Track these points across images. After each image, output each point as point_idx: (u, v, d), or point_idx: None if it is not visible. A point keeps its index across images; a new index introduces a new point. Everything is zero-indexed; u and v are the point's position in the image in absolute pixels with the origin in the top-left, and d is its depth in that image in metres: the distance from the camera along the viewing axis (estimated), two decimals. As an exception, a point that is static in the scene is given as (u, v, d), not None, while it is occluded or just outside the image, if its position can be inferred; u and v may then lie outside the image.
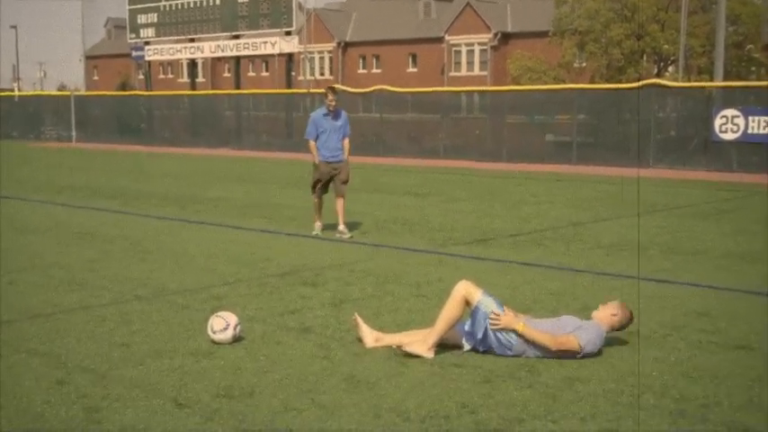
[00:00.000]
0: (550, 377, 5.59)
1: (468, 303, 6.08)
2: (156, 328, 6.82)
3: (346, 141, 12.06)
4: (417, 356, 5.95)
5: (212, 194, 17.28)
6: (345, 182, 12.05)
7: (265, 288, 8.35)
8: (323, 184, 12.04)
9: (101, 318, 7.14)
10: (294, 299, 7.87)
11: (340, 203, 11.97)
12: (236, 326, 6.35)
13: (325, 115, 11.89)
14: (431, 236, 11.88)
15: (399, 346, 6.02)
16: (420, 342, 6.04)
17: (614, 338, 6.47)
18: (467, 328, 6.14)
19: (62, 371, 5.69)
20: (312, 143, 11.96)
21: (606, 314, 6.29)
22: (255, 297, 7.96)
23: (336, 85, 33.58)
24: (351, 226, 12.02)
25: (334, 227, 11.93)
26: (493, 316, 5.99)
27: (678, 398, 5.21)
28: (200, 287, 8.37)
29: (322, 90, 36.44)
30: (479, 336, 6.04)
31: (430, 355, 5.99)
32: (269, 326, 6.89)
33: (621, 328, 6.32)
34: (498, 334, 6.00)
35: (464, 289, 6.11)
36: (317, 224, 12.05)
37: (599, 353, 6.06)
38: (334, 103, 11.80)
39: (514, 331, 5.97)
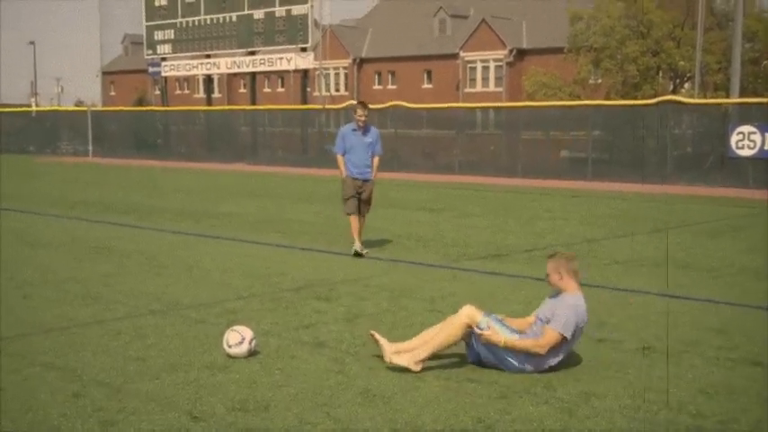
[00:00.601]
0: (566, 393, 5.57)
1: (469, 327, 6.06)
2: (170, 341, 6.84)
3: (376, 160, 11.75)
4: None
5: (227, 209, 17.32)
6: (368, 202, 11.79)
7: (280, 302, 8.35)
8: (351, 198, 11.64)
9: (116, 332, 7.16)
10: (308, 313, 7.87)
11: (360, 223, 11.75)
12: (252, 340, 6.36)
13: (354, 131, 11.60)
14: (445, 251, 11.86)
15: (390, 360, 6.00)
16: (410, 354, 6.02)
17: (631, 354, 6.45)
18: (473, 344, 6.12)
19: (78, 384, 5.71)
20: (340, 158, 11.69)
21: (557, 282, 6.18)
22: (270, 311, 7.96)
23: (354, 101, 33.67)
24: (365, 241, 11.97)
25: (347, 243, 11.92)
26: (477, 331, 5.95)
27: (695, 414, 5.18)
28: (215, 301, 8.39)
29: (337, 106, 36.51)
30: (494, 356, 6.02)
31: (417, 368, 5.97)
32: (284, 340, 6.89)
33: (576, 270, 6.21)
34: (511, 359, 5.96)
35: (466, 316, 6.07)
36: (357, 244, 11.45)
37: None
38: (363, 119, 11.49)
39: (497, 345, 5.93)
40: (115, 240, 12.75)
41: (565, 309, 6.05)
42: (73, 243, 12.52)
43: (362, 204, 11.76)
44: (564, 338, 5.97)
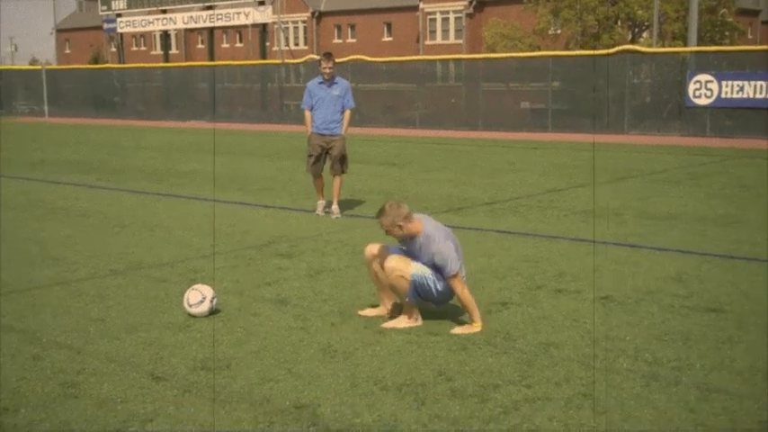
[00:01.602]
0: (526, 343, 5.64)
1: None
2: (132, 302, 6.82)
3: (347, 113, 11.11)
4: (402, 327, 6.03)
5: (188, 167, 17.19)
6: (341, 159, 11.10)
7: (242, 260, 8.34)
8: (315, 158, 11.11)
9: (76, 293, 7.12)
10: (270, 271, 7.87)
11: (336, 183, 11.16)
12: (213, 299, 6.36)
13: (321, 84, 11.03)
14: (408, 205, 11.84)
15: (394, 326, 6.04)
16: (403, 317, 6.11)
17: (589, 303, 6.54)
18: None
19: (37, 346, 5.68)
20: (307, 113, 11.09)
21: (400, 233, 6.08)
22: (232, 269, 7.96)
23: (314, 55, 33.36)
24: (328, 196, 11.78)
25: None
26: (457, 332, 5.91)
27: (651, 361, 5.27)
28: (177, 260, 8.36)
29: (297, 60, 36.03)
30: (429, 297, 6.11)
31: (419, 321, 6.06)
32: (245, 298, 6.89)
33: (408, 212, 6.13)
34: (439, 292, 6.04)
35: (399, 271, 5.98)
36: (319, 202, 11.25)
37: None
38: (329, 71, 10.91)
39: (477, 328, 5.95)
40: (75, 201, 12.62)
41: (436, 250, 5.94)
42: (32, 204, 12.37)
43: (335, 162, 11.15)
44: (459, 272, 5.96)
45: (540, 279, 7.40)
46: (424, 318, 6.13)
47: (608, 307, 6.48)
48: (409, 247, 6.15)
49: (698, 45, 27.40)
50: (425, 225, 6.13)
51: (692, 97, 23.78)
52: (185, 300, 6.36)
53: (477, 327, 5.92)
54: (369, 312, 6.37)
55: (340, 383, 4.96)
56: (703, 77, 23.57)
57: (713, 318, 6.19)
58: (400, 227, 6.05)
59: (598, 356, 5.36)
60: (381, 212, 6.13)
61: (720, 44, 37.66)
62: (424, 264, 6.02)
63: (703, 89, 23.53)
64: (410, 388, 4.88)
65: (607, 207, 11.33)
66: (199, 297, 6.32)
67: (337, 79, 11.16)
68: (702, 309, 6.41)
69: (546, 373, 5.07)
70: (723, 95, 23.26)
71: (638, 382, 4.92)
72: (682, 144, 21.68)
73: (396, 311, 6.24)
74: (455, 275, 5.92)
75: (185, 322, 6.19)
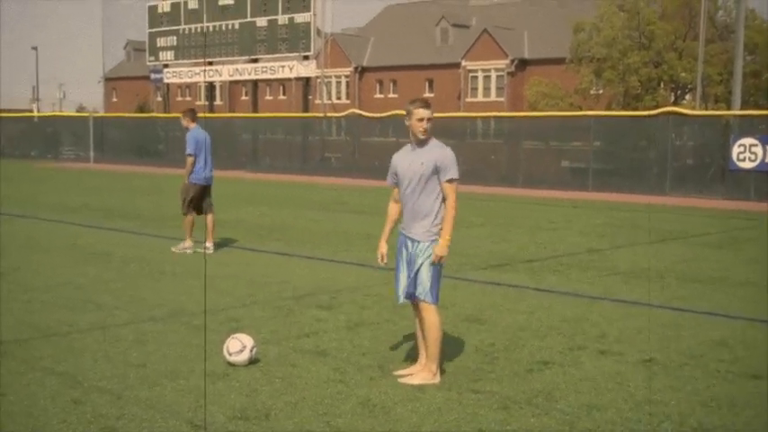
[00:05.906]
0: (568, 405, 5.56)
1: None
2: (171, 348, 6.83)
3: None
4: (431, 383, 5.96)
5: (228, 216, 17.29)
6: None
7: (281, 310, 8.34)
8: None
9: (117, 338, 7.15)
10: (309, 322, 7.86)
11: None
12: (252, 348, 6.36)
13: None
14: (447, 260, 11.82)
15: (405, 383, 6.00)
16: (425, 372, 6.05)
17: (632, 366, 6.44)
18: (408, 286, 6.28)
19: (78, 390, 5.70)
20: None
21: (430, 128, 6.26)
22: (271, 319, 7.96)
23: (356, 109, 33.58)
24: (367, 249, 11.84)
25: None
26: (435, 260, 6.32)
27: (696, 427, 5.16)
28: (216, 309, 8.38)
29: (338, 114, 36.27)
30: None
31: (437, 380, 6.00)
32: (284, 348, 6.88)
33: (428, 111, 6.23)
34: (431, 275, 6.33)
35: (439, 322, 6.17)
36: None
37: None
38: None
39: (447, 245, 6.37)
40: (117, 246, 12.75)
41: (445, 153, 6.27)
42: (74, 248, 12.52)
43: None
44: (455, 179, 6.24)
45: (582, 339, 7.31)
46: (464, 374, 6.07)
47: (651, 370, 6.37)
48: (419, 146, 6.33)
49: (741, 108, 27.27)
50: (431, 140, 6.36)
51: (735, 161, 23.59)
52: (225, 348, 6.36)
53: (445, 241, 6.36)
54: (405, 372, 6.29)
55: (379, 438, 4.91)
56: (748, 141, 23.40)
57: (759, 385, 6.06)
58: (430, 119, 6.25)
59: (642, 421, 5.26)
60: (427, 103, 6.34)
61: (764, 108, 37.42)
62: (423, 163, 6.25)
63: (747, 153, 23.35)
64: (450, 446, 4.81)
65: (649, 269, 11.21)
66: (239, 346, 6.32)
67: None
68: (748, 375, 6.28)
69: (588, 436, 4.98)
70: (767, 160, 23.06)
71: (683, 449, 4.82)
72: (725, 207, 21.46)
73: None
74: (450, 181, 6.20)
75: (225, 371, 6.18)
